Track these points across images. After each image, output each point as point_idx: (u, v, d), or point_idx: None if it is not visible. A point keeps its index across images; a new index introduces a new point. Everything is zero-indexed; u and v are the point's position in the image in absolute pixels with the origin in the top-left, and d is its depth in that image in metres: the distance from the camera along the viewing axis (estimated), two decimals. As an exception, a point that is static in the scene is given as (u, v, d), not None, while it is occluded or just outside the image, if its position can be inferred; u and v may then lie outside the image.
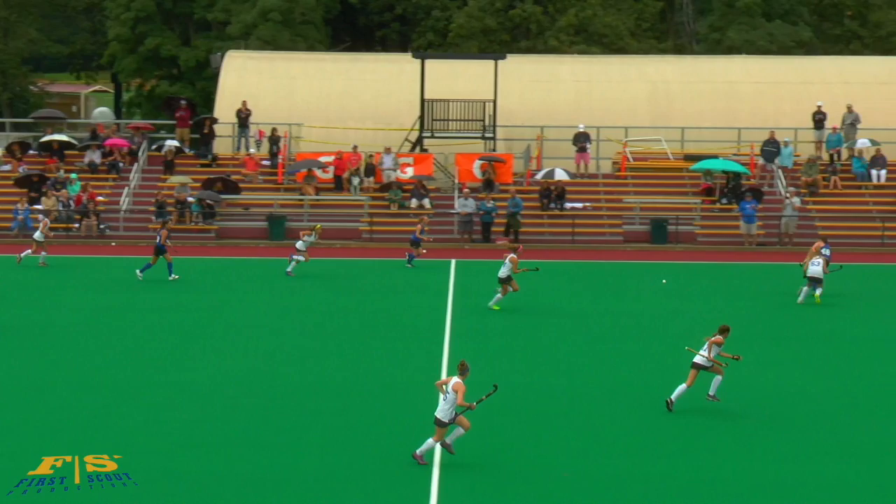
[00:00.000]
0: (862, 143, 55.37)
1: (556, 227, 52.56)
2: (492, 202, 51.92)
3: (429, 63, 56.23)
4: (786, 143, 55.07)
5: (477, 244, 51.15)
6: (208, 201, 52.58)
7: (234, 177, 54.73)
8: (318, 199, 53.56)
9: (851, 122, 55.99)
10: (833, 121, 56.07)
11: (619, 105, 58.64)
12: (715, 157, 54.53)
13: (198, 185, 53.51)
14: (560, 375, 27.40)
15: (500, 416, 22.90)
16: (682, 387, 24.02)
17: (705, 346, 24.05)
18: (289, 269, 41.25)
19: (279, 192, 54.69)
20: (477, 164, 54.74)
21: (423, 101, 55.28)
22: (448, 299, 37.33)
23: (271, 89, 59.88)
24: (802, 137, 56.59)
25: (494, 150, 56.09)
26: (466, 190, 53.07)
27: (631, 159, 56.40)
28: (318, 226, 44.26)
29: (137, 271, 39.83)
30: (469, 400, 20.06)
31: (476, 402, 20.19)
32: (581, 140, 55.51)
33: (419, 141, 56.16)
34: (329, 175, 54.45)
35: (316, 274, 41.58)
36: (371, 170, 54.54)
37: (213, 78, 63.79)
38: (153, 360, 28.53)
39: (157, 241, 40.14)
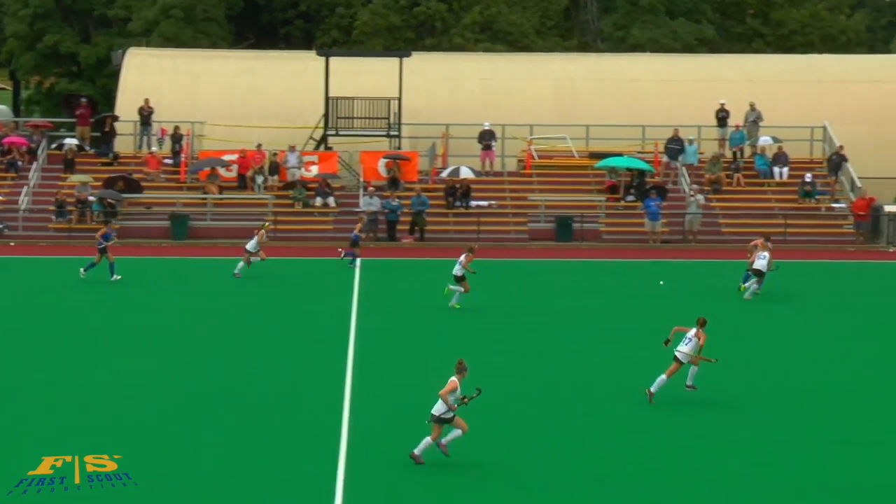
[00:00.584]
0: (765, 140, 55.96)
1: (461, 226, 52.60)
2: (397, 200, 51.97)
3: (333, 60, 56.08)
4: (690, 142, 55.55)
5: (382, 242, 51.13)
6: (109, 200, 52.11)
7: (135, 175, 54.26)
8: (221, 199, 53.29)
9: (754, 119, 56.51)
10: (736, 118, 56.57)
11: (524, 103, 58.64)
12: (619, 154, 54.80)
13: (99, 184, 52.99)
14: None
15: (406, 415, 23.05)
16: (662, 377, 24.78)
17: (686, 341, 24.75)
18: (236, 271, 40.81)
19: (182, 190, 54.32)
20: (382, 162, 54.68)
21: (327, 98, 55.13)
22: (353, 298, 37.25)
23: (174, 87, 59.45)
24: (706, 135, 56.87)
25: (400, 147, 56.03)
26: (371, 188, 53.06)
27: (536, 157, 56.52)
28: (266, 224, 44.17)
29: (81, 269, 39.56)
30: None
31: (457, 402, 20.19)
32: (486, 138, 55.61)
33: (324, 139, 56.02)
34: (233, 174, 54.16)
35: (219, 273, 41.43)
36: (275, 168, 54.33)
37: (114, 75, 63.21)
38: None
39: (108, 240, 39.97)
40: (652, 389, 24.73)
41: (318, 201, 53.05)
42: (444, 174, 54.60)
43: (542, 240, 52.11)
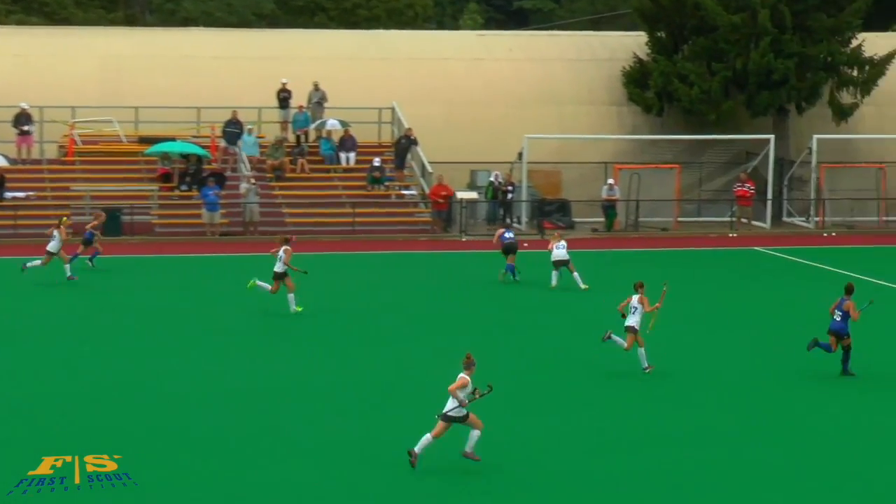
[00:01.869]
0: (332, 123, 55.08)
1: (-5, 221, 49.67)
2: None
3: None
4: (250, 130, 53.98)
5: None
6: None
7: None
8: None
9: (318, 100, 55.50)
10: (299, 99, 55.43)
11: (64, 82, 55.40)
12: (173, 139, 53.15)
13: None
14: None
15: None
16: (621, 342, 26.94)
17: (633, 309, 26.64)
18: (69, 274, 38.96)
19: None
20: None
21: None
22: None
23: None
24: (267, 117, 55.64)
25: (-81, 131, 52.08)
26: None
27: (79, 143, 53.67)
28: (64, 218, 41.19)
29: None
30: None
31: (469, 398, 20.28)
32: (23, 122, 52.32)
33: None
34: None
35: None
36: None
37: None
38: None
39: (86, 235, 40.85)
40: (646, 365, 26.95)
41: None
42: (-29, 163, 51.25)
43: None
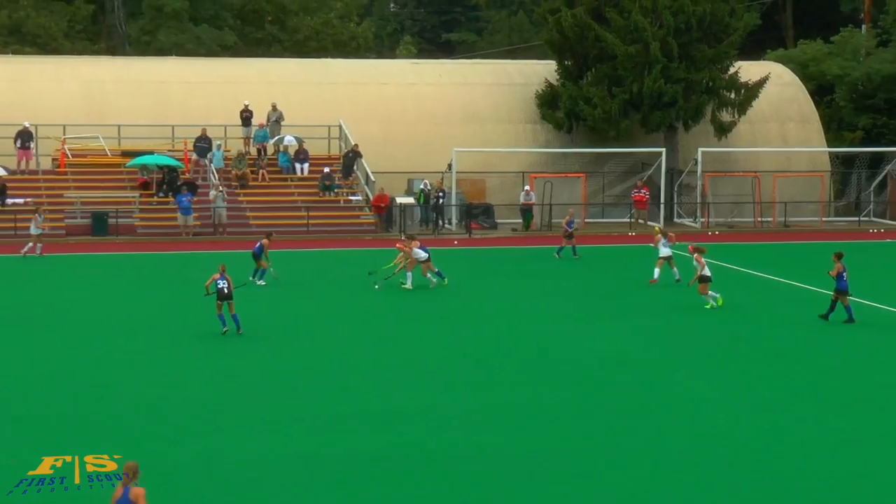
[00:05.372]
0: (288, 140, 56.14)
1: (-2, 223, 50.75)
2: (-70, 200, 49.35)
3: None
4: (219, 146, 55.19)
5: None
6: None
7: None
8: None
9: (276, 119, 56.84)
10: (259, 118, 56.73)
11: (55, 104, 56.85)
12: (151, 152, 54.08)
13: None
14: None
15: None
16: None
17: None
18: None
19: None
20: None
21: None
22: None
23: None
24: (232, 134, 56.71)
25: (-70, 149, 53.17)
26: None
27: (70, 156, 55.00)
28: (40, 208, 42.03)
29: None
30: None
31: None
32: (25, 138, 53.80)
33: None
34: None
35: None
36: None
37: None
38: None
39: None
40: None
41: None
42: (-24, 174, 52.25)
43: (79, 235, 50.79)
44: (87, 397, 23.47)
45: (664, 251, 38.12)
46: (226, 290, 28.88)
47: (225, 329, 29.01)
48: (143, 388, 24.24)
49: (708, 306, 33.75)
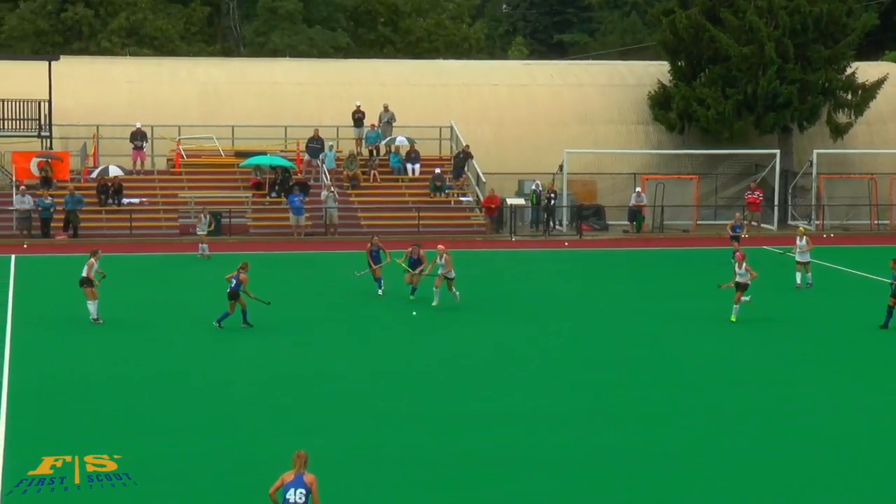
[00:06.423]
0: (400, 141, 56.05)
1: (114, 222, 50.96)
2: (49, 198, 49.85)
3: (-19, 65, 53.45)
4: (331, 147, 55.16)
5: (36, 240, 48.96)
6: None
7: None
8: None
9: (388, 120, 56.70)
10: (371, 119, 56.63)
11: (171, 104, 57.22)
12: (263, 153, 54.23)
13: None
14: (132, 365, 26.72)
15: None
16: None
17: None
18: None
19: None
20: (34, 161, 52.37)
21: (-25, 101, 52.48)
22: (9, 295, 35.36)
23: None
24: (343, 135, 56.70)
25: (51, 147, 53.76)
26: (24, 187, 50.69)
27: (185, 156, 55.26)
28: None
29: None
30: None
31: None
32: (138, 138, 54.10)
33: (-26, 140, 53.22)
34: None
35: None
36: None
37: None
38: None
39: None
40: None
41: (-29, 201, 50.30)
42: (95, 173, 52.63)
43: (193, 234, 50.86)
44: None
45: (803, 257, 37.75)
46: None
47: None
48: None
49: None
